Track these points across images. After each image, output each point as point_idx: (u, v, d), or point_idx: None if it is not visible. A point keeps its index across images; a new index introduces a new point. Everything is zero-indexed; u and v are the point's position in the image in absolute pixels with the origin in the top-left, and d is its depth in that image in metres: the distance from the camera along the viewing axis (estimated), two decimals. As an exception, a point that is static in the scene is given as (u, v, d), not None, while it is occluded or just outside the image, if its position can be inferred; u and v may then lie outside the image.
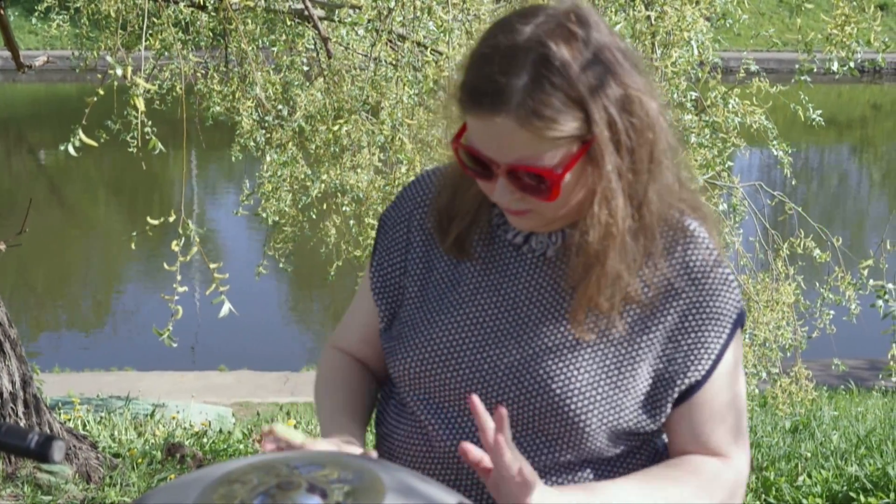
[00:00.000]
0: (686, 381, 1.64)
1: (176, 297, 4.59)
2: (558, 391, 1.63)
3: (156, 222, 4.61)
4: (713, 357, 1.65)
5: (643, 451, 1.74)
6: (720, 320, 1.65)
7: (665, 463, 1.70)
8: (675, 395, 1.65)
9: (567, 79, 1.48)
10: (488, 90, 1.49)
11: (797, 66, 5.45)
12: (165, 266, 4.70)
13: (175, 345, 4.72)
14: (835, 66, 5.29)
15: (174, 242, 4.61)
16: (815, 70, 5.45)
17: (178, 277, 4.61)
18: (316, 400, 1.88)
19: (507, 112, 1.48)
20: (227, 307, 4.48)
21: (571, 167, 1.52)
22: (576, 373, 1.63)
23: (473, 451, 1.50)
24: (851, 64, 5.31)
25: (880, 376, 5.24)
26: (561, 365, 1.64)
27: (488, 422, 1.50)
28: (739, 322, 1.67)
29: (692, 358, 1.64)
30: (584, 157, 1.53)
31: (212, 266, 4.51)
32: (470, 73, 1.54)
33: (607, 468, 1.70)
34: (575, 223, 1.61)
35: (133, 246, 5.20)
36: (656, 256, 1.63)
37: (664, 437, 1.78)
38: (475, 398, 1.49)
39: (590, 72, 1.49)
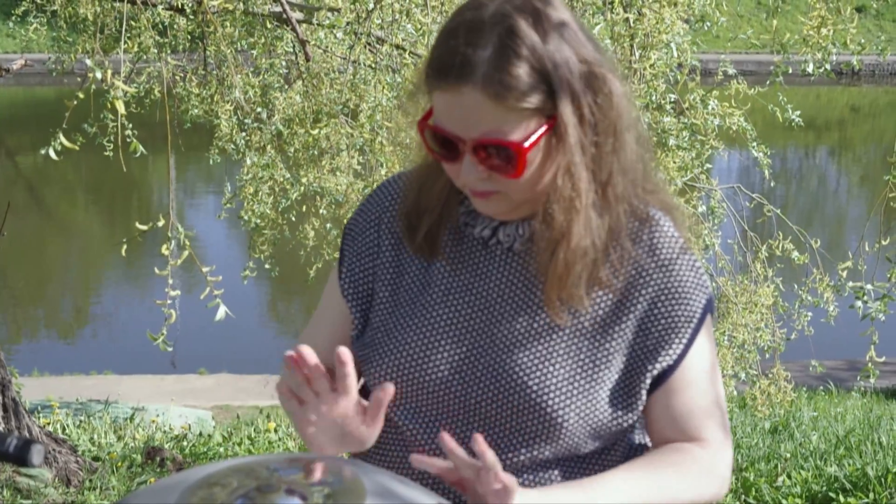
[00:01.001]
0: (658, 366, 1.65)
1: (169, 302, 4.57)
2: (535, 387, 1.63)
3: (145, 228, 4.58)
4: (684, 341, 1.65)
5: (618, 448, 1.74)
6: (689, 305, 1.65)
7: (652, 454, 1.70)
8: (648, 381, 1.66)
9: (532, 51, 1.50)
10: (454, 62, 1.51)
11: (772, 68, 5.48)
12: (156, 270, 4.66)
13: (170, 349, 4.70)
14: (810, 68, 5.31)
15: (164, 246, 4.58)
16: (790, 71, 5.48)
17: (170, 281, 4.59)
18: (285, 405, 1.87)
19: (473, 83, 1.50)
20: (222, 310, 4.47)
21: (537, 143, 1.53)
22: (551, 368, 1.64)
23: (448, 475, 1.52)
24: (827, 66, 5.34)
25: (859, 377, 5.26)
26: (536, 361, 1.64)
27: (462, 455, 1.49)
28: (709, 308, 1.68)
29: (663, 343, 1.65)
30: (550, 135, 1.54)
31: (204, 270, 4.49)
32: (437, 48, 1.56)
33: (583, 466, 1.70)
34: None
35: (123, 252, 5.17)
36: (622, 238, 1.64)
37: (639, 434, 1.78)
38: (445, 436, 1.49)
39: (554, 46, 1.51)
